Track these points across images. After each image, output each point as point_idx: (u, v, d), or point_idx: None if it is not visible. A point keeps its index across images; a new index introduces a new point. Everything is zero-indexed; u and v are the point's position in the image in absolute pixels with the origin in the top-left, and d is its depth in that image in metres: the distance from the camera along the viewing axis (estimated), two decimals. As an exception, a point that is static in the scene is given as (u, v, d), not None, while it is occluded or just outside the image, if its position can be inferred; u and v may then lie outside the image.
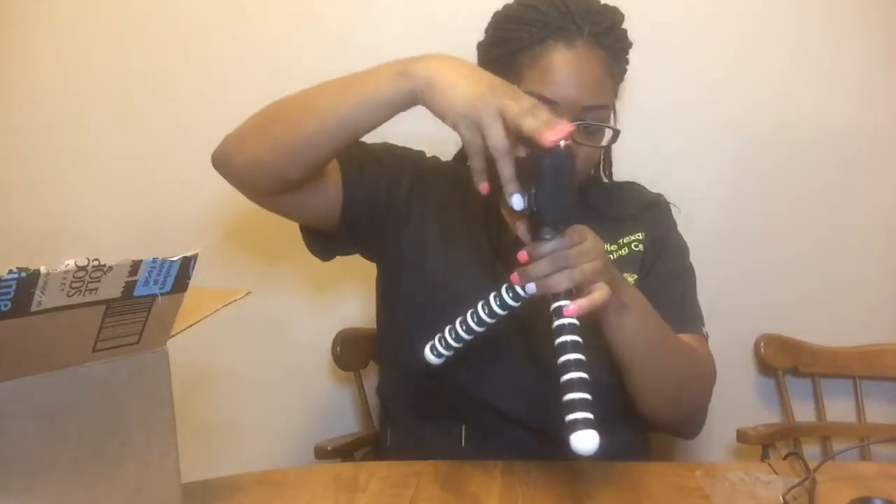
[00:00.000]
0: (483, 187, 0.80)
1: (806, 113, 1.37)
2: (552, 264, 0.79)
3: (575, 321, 0.77)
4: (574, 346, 0.75)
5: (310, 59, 1.41)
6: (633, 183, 1.20)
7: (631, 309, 0.90)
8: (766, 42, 1.37)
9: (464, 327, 0.84)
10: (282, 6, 1.42)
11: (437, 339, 0.85)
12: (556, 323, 0.77)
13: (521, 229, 0.82)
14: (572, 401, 0.73)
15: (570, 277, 0.79)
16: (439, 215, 1.08)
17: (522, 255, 0.81)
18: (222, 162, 0.97)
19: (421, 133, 1.15)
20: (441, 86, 0.80)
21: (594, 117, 0.96)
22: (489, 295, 0.83)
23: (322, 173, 0.98)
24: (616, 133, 0.99)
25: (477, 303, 0.84)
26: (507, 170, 0.77)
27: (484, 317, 0.83)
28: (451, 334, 0.84)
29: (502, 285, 0.82)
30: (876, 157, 1.38)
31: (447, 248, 1.07)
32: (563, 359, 0.75)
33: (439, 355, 0.85)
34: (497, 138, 0.76)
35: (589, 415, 0.72)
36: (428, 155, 1.15)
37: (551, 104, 0.94)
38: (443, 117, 0.80)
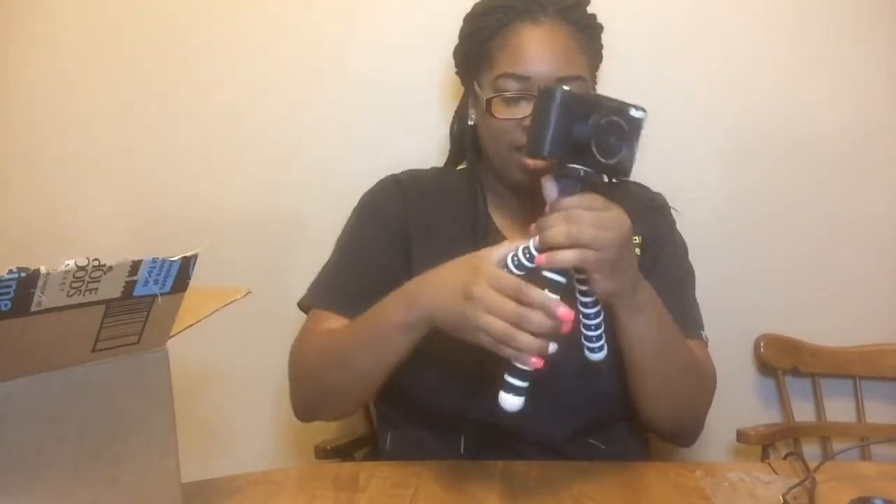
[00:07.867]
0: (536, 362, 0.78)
1: (805, 113, 1.37)
2: (560, 219, 0.78)
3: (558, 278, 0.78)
4: None
5: (310, 62, 1.41)
6: (633, 182, 1.19)
7: (644, 313, 0.89)
8: (766, 42, 1.36)
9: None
10: (283, 8, 1.42)
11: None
12: (526, 265, 0.79)
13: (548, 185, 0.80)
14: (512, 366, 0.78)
15: (567, 234, 0.77)
16: (426, 241, 1.07)
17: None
18: (315, 417, 1.08)
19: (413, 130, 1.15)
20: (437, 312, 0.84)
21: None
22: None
23: None
24: None
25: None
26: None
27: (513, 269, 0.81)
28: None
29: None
30: (876, 157, 1.38)
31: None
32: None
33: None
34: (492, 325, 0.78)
35: (523, 383, 0.78)
36: (398, 171, 1.13)
37: (524, 81, 0.97)
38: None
